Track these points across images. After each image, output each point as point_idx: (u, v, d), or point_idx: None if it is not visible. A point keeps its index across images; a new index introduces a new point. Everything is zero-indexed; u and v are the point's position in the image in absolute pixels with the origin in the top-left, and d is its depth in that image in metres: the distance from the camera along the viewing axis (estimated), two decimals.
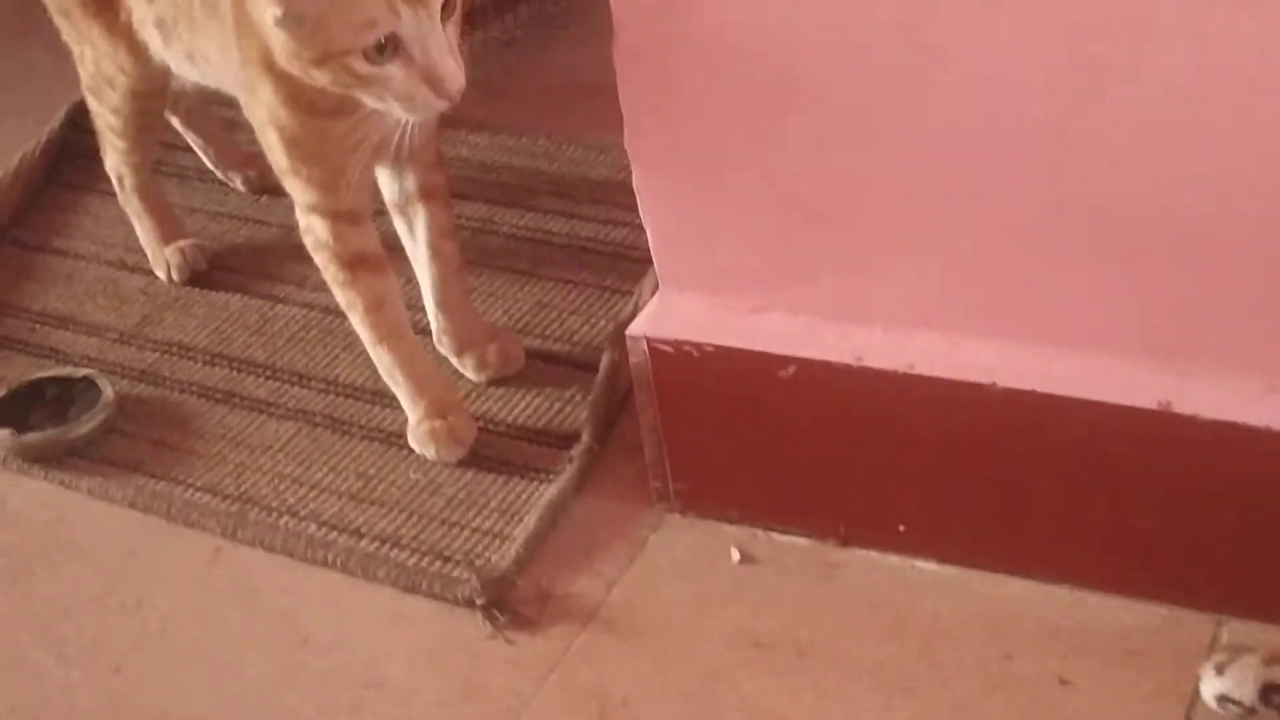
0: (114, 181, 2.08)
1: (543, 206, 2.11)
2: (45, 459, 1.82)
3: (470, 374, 1.85)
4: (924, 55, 1.32)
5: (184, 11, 1.74)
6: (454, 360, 1.86)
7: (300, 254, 2.03)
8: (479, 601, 1.58)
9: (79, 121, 2.29)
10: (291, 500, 1.73)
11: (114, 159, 2.06)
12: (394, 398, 1.81)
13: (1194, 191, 1.29)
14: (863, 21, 1.33)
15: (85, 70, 1.98)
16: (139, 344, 1.99)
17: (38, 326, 2.04)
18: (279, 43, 1.50)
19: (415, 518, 1.69)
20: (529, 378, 1.84)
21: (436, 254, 1.80)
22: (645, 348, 1.56)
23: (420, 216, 1.78)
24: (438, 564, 1.63)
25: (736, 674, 1.49)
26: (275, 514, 1.72)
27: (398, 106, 1.51)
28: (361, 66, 1.47)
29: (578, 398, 1.80)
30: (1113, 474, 1.42)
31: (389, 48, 1.46)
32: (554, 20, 2.45)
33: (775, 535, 1.61)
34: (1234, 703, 1.35)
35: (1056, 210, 1.34)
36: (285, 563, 1.68)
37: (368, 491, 1.73)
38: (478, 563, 1.62)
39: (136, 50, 1.88)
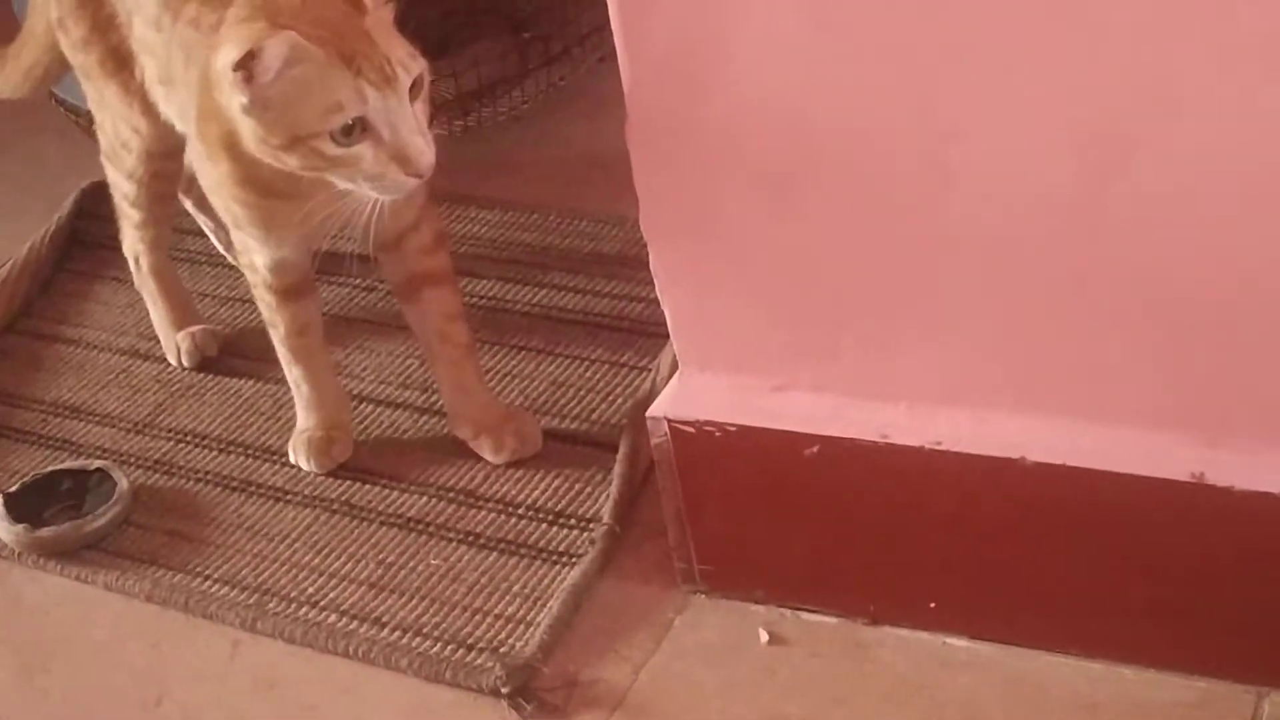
0: (130, 262, 2.07)
1: (556, 283, 2.10)
2: (61, 553, 1.80)
3: (488, 456, 1.83)
4: (943, 130, 1.31)
5: (172, 70, 1.74)
6: (470, 443, 1.84)
7: None
8: (504, 690, 1.55)
9: (88, 209, 2.28)
10: (311, 590, 1.71)
11: (130, 237, 2.05)
12: (416, 484, 1.81)
13: (1223, 262, 1.27)
14: (880, 98, 1.32)
15: (104, 137, 1.97)
16: (153, 433, 1.96)
17: (50, 418, 2.02)
18: (247, 128, 1.51)
19: (437, 605, 1.67)
20: (547, 458, 1.82)
21: (444, 338, 1.80)
22: (666, 429, 1.54)
23: (424, 301, 1.79)
24: (461, 652, 1.60)
25: None
26: (295, 605, 1.69)
27: (368, 186, 1.51)
28: (330, 149, 1.47)
29: (598, 478, 1.78)
30: (1147, 547, 1.40)
31: (357, 129, 1.47)
32: (562, 93, 2.44)
33: (804, 615, 1.58)
34: None
35: (1083, 282, 1.33)
36: (306, 654, 1.65)
37: (388, 579, 1.71)
38: (501, 650, 1.59)
39: (149, 109, 1.87)
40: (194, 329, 2.08)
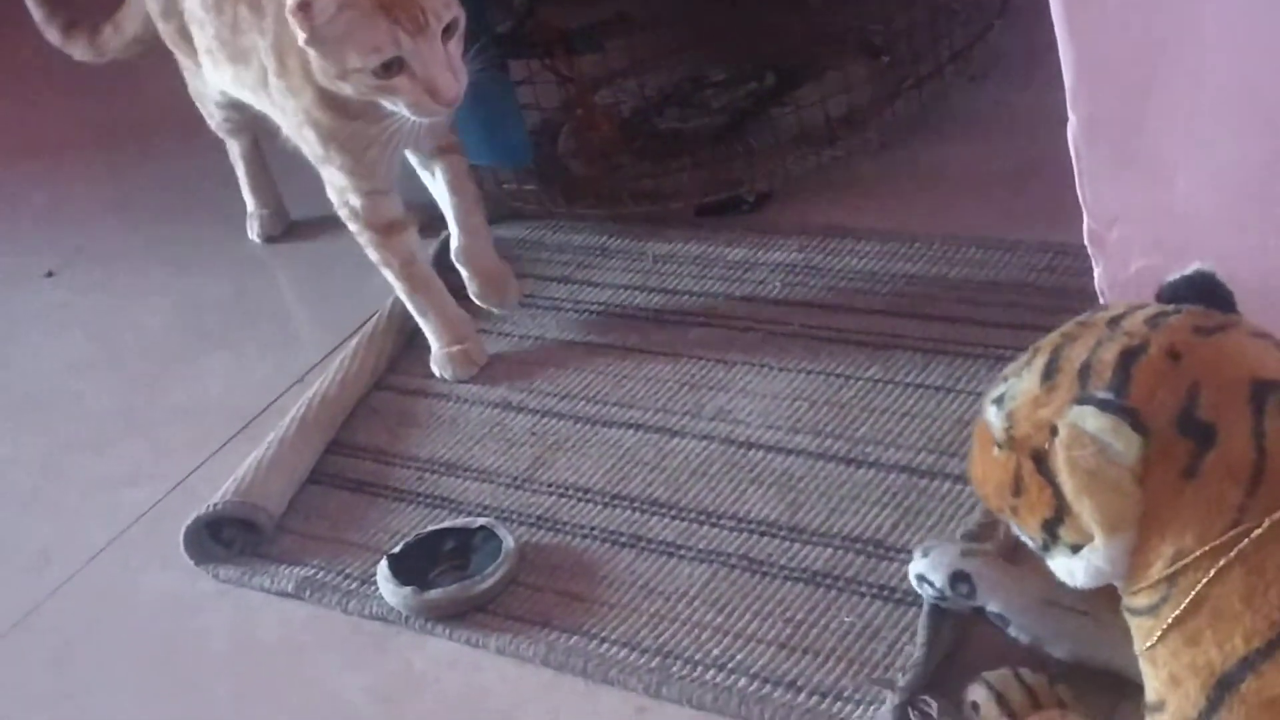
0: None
1: (949, 314, 1.95)
2: (449, 616, 1.71)
3: (472, 294, 2.13)
4: None
5: (228, 43, 2.08)
6: (464, 274, 2.13)
7: (692, 380, 1.94)
8: None
9: (447, 260, 2.21)
10: (716, 652, 1.59)
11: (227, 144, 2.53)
12: (818, 535, 1.69)
13: None
14: None
15: (190, 83, 2.40)
16: (533, 488, 1.87)
17: (426, 475, 1.94)
18: (312, 58, 1.84)
19: (855, 666, 1.53)
20: (960, 505, 1.67)
21: (455, 190, 2.09)
22: None
23: (439, 166, 2.08)
24: None
25: None
26: (700, 668, 1.57)
27: (407, 110, 1.84)
28: (373, 80, 1.81)
29: None
30: None
31: (395, 66, 1.80)
32: (930, 116, 2.30)
33: None
34: (929, 583, 1.48)
35: None
36: None
37: (798, 639, 1.57)
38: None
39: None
40: (265, 210, 2.55)
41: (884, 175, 2.27)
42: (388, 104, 1.85)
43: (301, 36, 1.80)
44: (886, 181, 2.26)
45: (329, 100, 1.91)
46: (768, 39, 2.58)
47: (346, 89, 1.85)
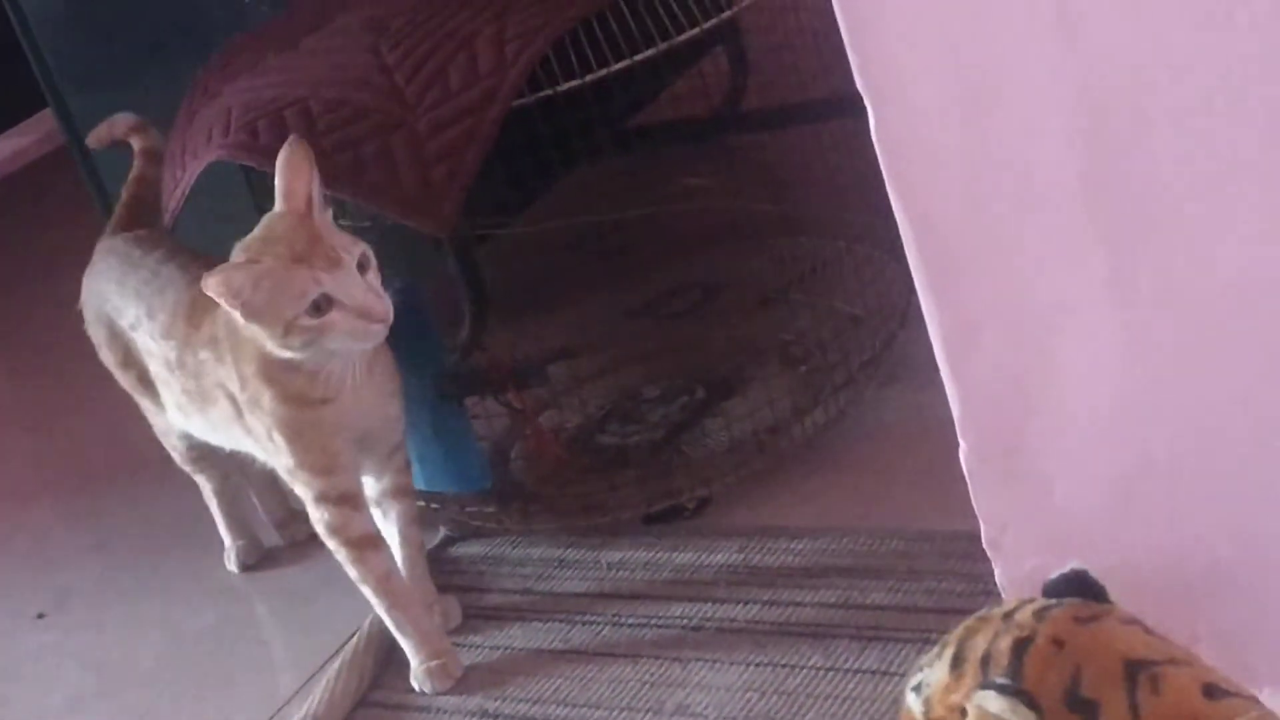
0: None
1: (878, 603, 2.14)
2: None
3: None
4: None
5: (194, 393, 2.25)
6: None
7: (651, 679, 2.12)
8: None
9: None
10: None
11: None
12: None
13: None
14: (1209, 392, 1.38)
15: (153, 422, 2.55)
16: None
17: None
18: (258, 333, 1.99)
19: None
20: None
21: (405, 539, 2.28)
22: None
23: (393, 509, 2.26)
24: None
25: None
26: None
27: (350, 341, 2.00)
28: (310, 323, 1.96)
29: None
30: None
31: (324, 304, 1.96)
32: (838, 422, 2.53)
33: None
34: None
35: None
36: None
37: None
38: None
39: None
40: (241, 541, 2.68)
41: (811, 475, 2.49)
42: (333, 343, 1.99)
43: (238, 318, 1.97)
44: (814, 480, 2.48)
45: (285, 393, 2.06)
46: (694, 355, 2.82)
47: (294, 344, 1.98)
